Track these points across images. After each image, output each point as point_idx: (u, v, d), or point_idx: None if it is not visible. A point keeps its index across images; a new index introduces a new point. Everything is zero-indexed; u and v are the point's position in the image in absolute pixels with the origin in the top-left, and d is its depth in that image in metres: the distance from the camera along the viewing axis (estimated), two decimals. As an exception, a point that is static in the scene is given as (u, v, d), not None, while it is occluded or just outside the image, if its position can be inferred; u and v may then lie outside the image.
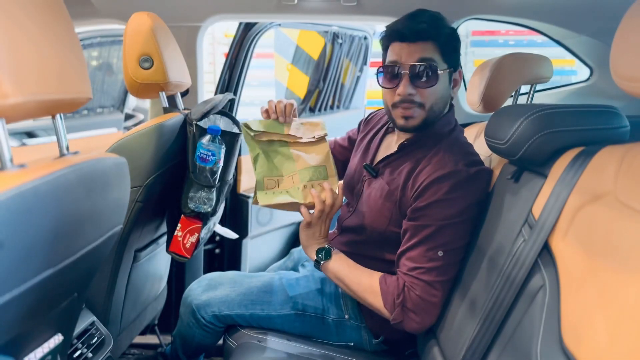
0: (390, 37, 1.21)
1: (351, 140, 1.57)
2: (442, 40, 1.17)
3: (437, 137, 1.23)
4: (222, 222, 2.08)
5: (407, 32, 1.16)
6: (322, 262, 1.26)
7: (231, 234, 1.75)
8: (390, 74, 1.19)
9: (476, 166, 1.17)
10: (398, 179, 1.23)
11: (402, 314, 1.14)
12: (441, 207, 1.12)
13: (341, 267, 1.25)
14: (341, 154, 1.58)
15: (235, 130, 1.43)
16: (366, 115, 1.55)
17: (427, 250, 1.13)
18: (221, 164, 1.33)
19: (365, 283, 1.21)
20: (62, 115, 0.77)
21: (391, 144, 1.33)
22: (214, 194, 1.37)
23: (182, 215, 1.37)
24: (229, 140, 1.36)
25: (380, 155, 1.34)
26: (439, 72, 1.16)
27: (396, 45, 1.19)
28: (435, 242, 1.12)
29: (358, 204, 1.35)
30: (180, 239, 1.37)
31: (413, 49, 1.16)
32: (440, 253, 1.12)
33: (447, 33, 1.19)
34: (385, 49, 1.24)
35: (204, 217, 1.40)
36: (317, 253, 1.26)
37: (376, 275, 1.20)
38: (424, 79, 1.16)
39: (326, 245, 1.27)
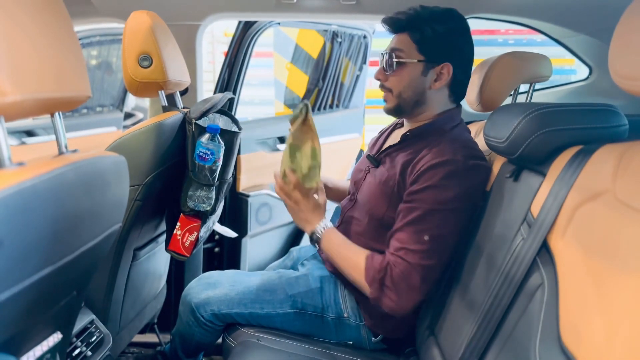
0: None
1: None
2: (416, 32, 1.24)
3: (440, 132, 1.26)
4: (222, 221, 2.08)
5: (387, 25, 1.30)
6: (317, 237, 1.28)
7: (230, 233, 1.75)
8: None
9: (475, 159, 1.19)
10: (397, 165, 1.25)
11: (380, 291, 1.15)
12: (434, 192, 1.14)
13: (335, 243, 1.27)
14: None
15: (235, 129, 1.43)
16: None
17: (414, 233, 1.14)
18: (220, 162, 1.33)
19: (353, 258, 1.23)
20: (60, 113, 0.77)
21: (397, 138, 1.36)
22: (213, 192, 1.37)
23: (182, 214, 1.38)
24: (228, 139, 1.36)
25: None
26: (400, 60, 1.25)
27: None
28: (423, 225, 1.14)
29: (358, 192, 1.37)
30: (179, 237, 1.38)
31: (393, 40, 1.29)
32: (426, 237, 1.13)
33: (428, 27, 1.24)
34: None
35: (203, 216, 1.40)
36: (313, 232, 1.29)
37: (364, 253, 1.22)
38: (388, 66, 1.27)
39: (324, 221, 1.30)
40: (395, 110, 1.31)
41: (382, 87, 1.31)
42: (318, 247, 1.30)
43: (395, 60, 1.25)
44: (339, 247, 1.27)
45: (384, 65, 1.28)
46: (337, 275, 1.37)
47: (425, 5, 1.27)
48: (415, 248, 1.14)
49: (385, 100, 1.32)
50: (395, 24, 1.28)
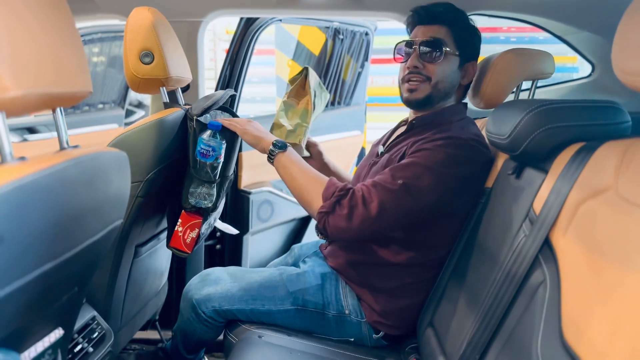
0: (412, 20, 1.35)
1: None
2: (456, 27, 1.28)
3: (447, 122, 1.29)
4: (223, 218, 2.09)
5: (424, 14, 1.31)
6: (277, 151, 1.26)
7: (231, 230, 1.75)
8: (404, 49, 1.34)
9: (480, 145, 1.21)
10: (402, 149, 1.27)
11: (332, 207, 1.15)
12: (426, 152, 1.17)
13: (297, 158, 1.27)
14: None
15: None
16: None
17: (391, 175, 1.15)
18: (222, 159, 1.33)
19: (315, 175, 1.23)
20: (62, 109, 0.77)
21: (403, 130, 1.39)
22: (215, 189, 1.37)
23: (183, 211, 1.37)
24: (230, 135, 1.36)
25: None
26: (446, 50, 1.27)
27: (416, 28, 1.33)
28: (402, 172, 1.15)
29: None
30: (180, 234, 1.37)
31: (428, 29, 1.30)
32: (400, 181, 1.13)
33: (464, 24, 1.30)
34: (409, 34, 1.38)
35: (204, 213, 1.40)
36: (274, 144, 1.27)
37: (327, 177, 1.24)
38: (431, 54, 1.28)
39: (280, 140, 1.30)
40: (424, 101, 1.31)
41: (417, 74, 1.29)
42: (273, 159, 1.27)
43: (444, 48, 1.27)
44: (301, 163, 1.26)
45: (425, 54, 1.28)
46: (339, 271, 1.37)
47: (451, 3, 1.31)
48: (386, 185, 1.14)
49: (413, 90, 1.30)
50: (433, 15, 1.29)
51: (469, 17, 1.34)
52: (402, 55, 1.35)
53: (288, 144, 1.29)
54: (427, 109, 1.34)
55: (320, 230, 1.19)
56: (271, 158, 1.28)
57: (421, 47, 1.28)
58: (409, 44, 1.32)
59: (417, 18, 1.32)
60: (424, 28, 1.31)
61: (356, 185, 1.18)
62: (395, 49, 1.37)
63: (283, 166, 1.26)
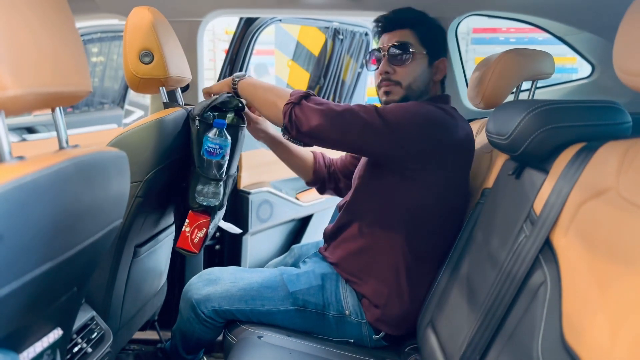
0: (378, 30, 1.41)
1: None
2: (418, 28, 1.34)
3: None
4: (223, 218, 2.08)
5: (387, 22, 1.37)
6: (237, 80, 1.36)
7: (234, 229, 1.75)
8: (374, 58, 1.40)
9: (458, 116, 1.27)
10: None
11: (301, 98, 1.23)
12: (396, 107, 1.23)
13: (259, 81, 1.36)
14: (352, 164, 1.62)
15: (240, 123, 1.44)
16: None
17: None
18: (228, 157, 1.33)
19: (281, 89, 1.31)
20: (61, 108, 0.77)
21: None
22: (221, 187, 1.37)
23: (190, 211, 1.37)
24: (233, 133, 1.36)
25: None
26: (413, 52, 1.32)
27: (382, 36, 1.39)
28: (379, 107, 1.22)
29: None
30: (188, 234, 1.37)
31: (392, 35, 1.36)
32: (373, 106, 1.21)
33: (426, 23, 1.37)
34: (376, 42, 1.44)
35: (212, 212, 1.39)
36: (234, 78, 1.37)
37: None
38: (400, 57, 1.33)
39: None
40: (401, 102, 1.32)
41: (387, 80, 1.35)
42: (236, 87, 1.36)
43: (411, 50, 1.32)
44: (264, 82, 1.35)
45: (394, 58, 1.33)
46: (339, 271, 1.37)
47: (413, 7, 1.38)
48: (359, 104, 1.22)
49: (388, 93, 1.35)
50: (396, 20, 1.35)
51: (431, 17, 1.40)
52: (372, 63, 1.41)
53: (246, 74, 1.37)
54: None
55: (285, 125, 1.24)
56: (234, 87, 1.36)
57: (390, 51, 1.33)
58: (378, 50, 1.37)
59: (382, 26, 1.38)
60: (389, 35, 1.36)
61: None
62: (364, 59, 1.45)
63: (248, 85, 1.34)
